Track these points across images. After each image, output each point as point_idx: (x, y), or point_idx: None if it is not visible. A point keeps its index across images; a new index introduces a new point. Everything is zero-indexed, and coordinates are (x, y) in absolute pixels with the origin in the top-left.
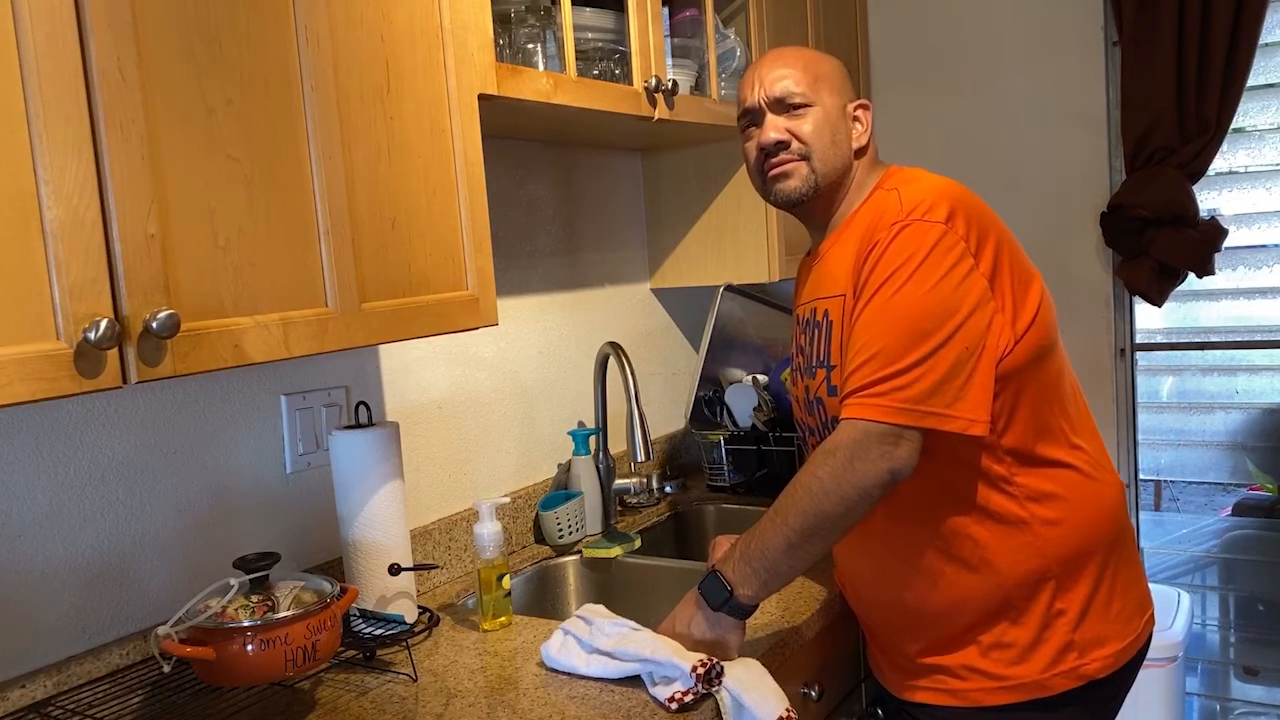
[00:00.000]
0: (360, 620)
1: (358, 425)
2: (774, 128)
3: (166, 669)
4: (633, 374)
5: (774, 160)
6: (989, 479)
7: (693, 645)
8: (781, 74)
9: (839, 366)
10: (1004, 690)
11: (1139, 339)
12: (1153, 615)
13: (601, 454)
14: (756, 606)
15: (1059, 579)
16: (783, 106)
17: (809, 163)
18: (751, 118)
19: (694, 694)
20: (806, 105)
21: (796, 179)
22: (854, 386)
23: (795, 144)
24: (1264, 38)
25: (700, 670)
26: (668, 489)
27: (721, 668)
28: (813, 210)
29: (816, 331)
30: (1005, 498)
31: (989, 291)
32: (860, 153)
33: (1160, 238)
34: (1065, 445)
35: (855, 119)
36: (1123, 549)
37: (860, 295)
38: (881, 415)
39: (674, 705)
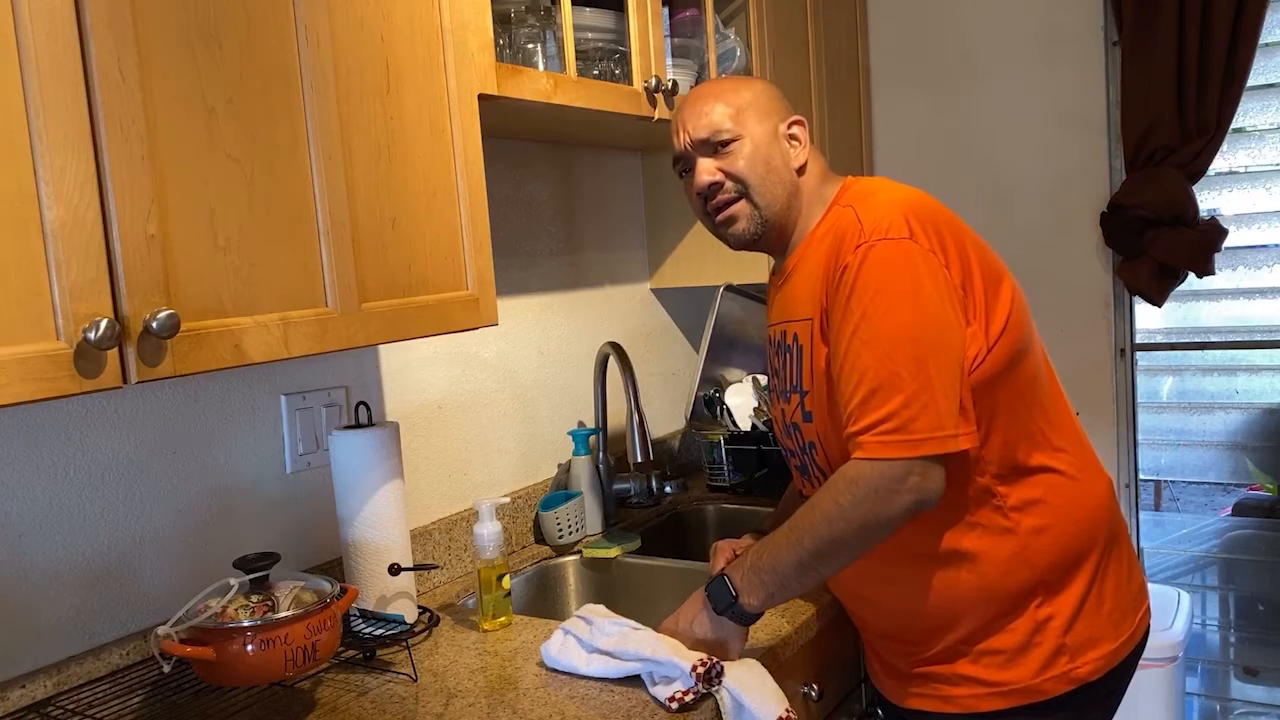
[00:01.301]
0: (360, 620)
1: (358, 425)
2: (705, 171)
3: (166, 669)
4: (633, 374)
5: (714, 203)
6: (973, 491)
7: (694, 644)
8: (702, 112)
9: (811, 391)
10: (997, 696)
11: (1139, 339)
12: (1148, 610)
13: (601, 454)
14: (760, 615)
15: (1049, 585)
16: (709, 147)
17: (748, 199)
18: (684, 163)
19: (694, 694)
20: (734, 139)
21: (743, 220)
22: (865, 424)
23: (729, 182)
24: (1264, 38)
25: (700, 670)
26: (668, 489)
27: (721, 667)
28: (770, 243)
29: (787, 356)
30: (990, 509)
31: (962, 297)
32: (802, 170)
33: (1160, 238)
34: (1046, 449)
35: (791, 138)
36: (1114, 548)
37: (842, 322)
38: (904, 451)
39: (674, 705)
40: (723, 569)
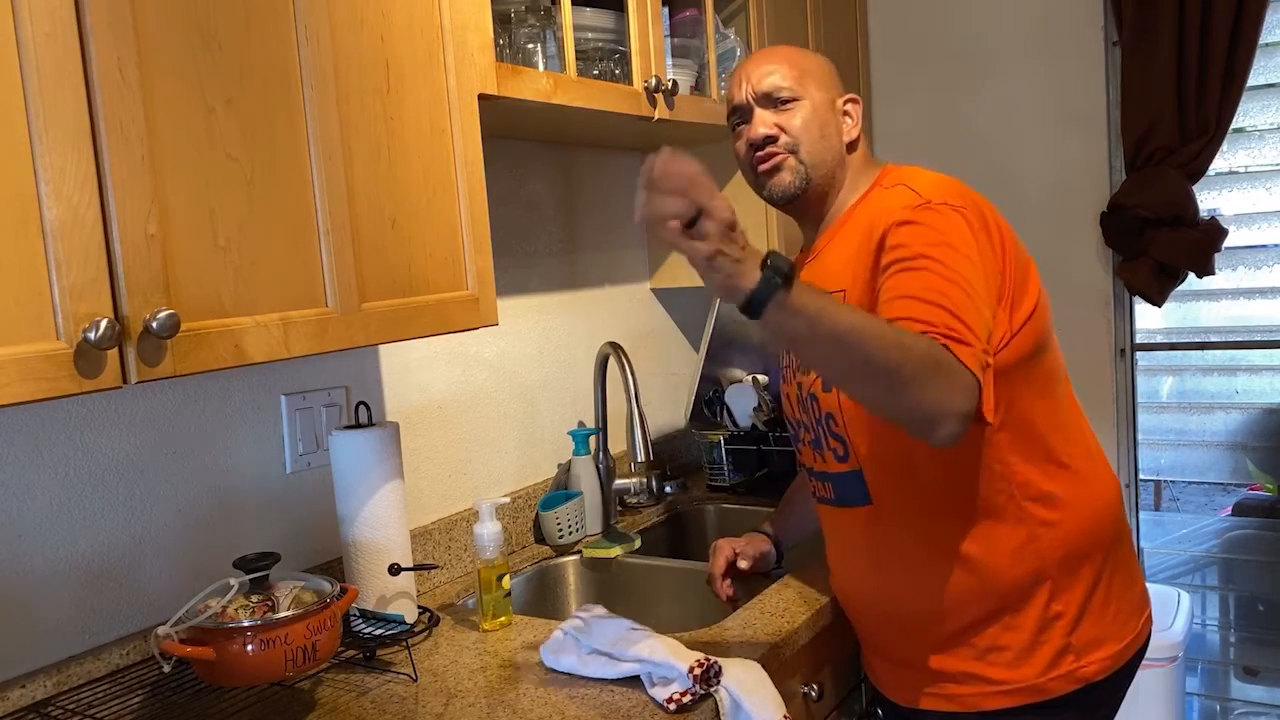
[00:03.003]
0: (360, 620)
1: (358, 425)
2: (762, 123)
3: (166, 669)
4: (633, 374)
5: (762, 154)
6: (987, 480)
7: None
8: (768, 70)
9: None
10: (1002, 694)
11: (1139, 339)
12: (1150, 615)
13: (601, 454)
14: (774, 318)
15: (1055, 580)
16: (770, 101)
17: (797, 155)
18: (741, 115)
19: (691, 695)
20: (794, 99)
21: (788, 172)
22: (947, 331)
23: (784, 138)
24: (1264, 38)
25: (697, 671)
26: (668, 489)
27: (719, 667)
28: (807, 206)
29: None
30: (1004, 499)
31: (998, 278)
32: (851, 147)
33: (1160, 238)
34: (1061, 445)
35: (845, 113)
36: (1120, 550)
37: (891, 265)
38: (975, 366)
39: (672, 706)
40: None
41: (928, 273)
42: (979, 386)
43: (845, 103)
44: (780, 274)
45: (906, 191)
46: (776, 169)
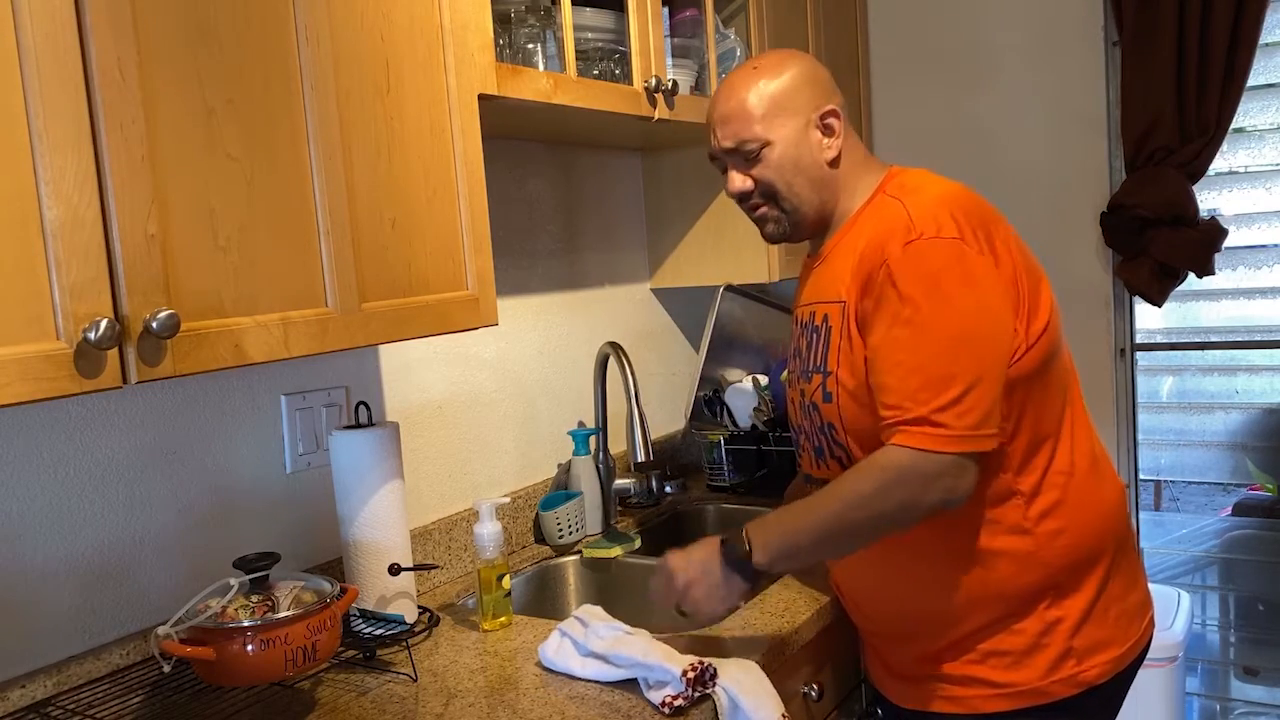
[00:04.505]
0: (360, 620)
1: (358, 425)
2: (735, 180)
3: (166, 669)
4: (633, 374)
5: (746, 206)
6: (995, 488)
7: (694, 582)
8: (727, 123)
9: (835, 373)
10: (1003, 697)
11: (1139, 339)
12: (1153, 619)
13: (601, 454)
14: (766, 576)
15: (1060, 586)
16: (738, 155)
17: (776, 202)
18: (718, 163)
19: (685, 698)
20: (761, 146)
21: (772, 224)
22: (914, 415)
23: (758, 191)
24: (1264, 38)
25: (691, 675)
26: (668, 489)
27: (714, 670)
28: (806, 234)
29: (815, 336)
30: (1010, 508)
31: (1013, 295)
32: (835, 162)
33: (1160, 238)
34: (1068, 450)
35: (826, 127)
36: (1124, 554)
37: (893, 311)
38: (947, 446)
39: (666, 709)
40: (745, 525)
41: (909, 333)
42: (956, 459)
43: (822, 117)
44: (737, 559)
45: (902, 213)
46: (764, 220)
